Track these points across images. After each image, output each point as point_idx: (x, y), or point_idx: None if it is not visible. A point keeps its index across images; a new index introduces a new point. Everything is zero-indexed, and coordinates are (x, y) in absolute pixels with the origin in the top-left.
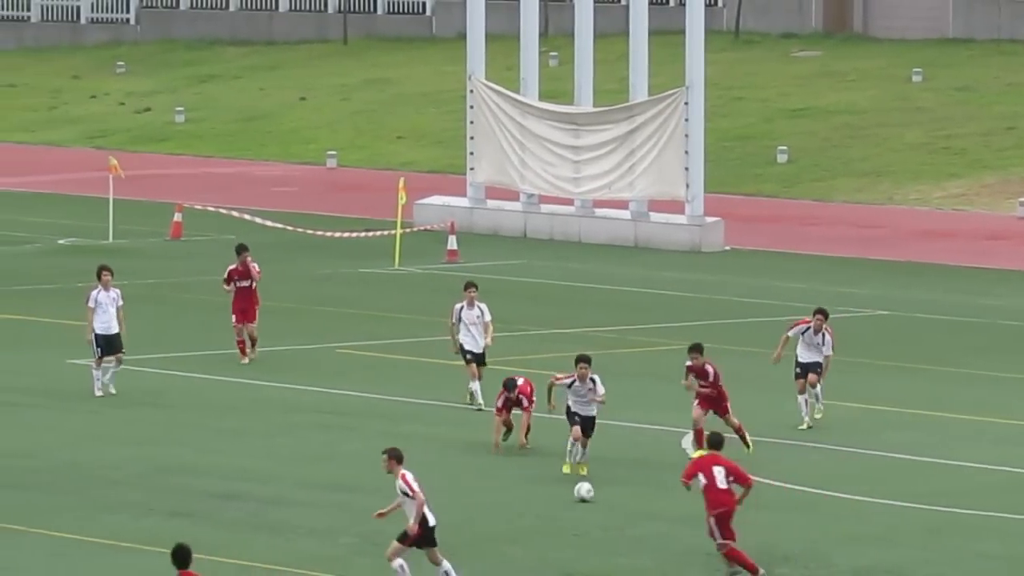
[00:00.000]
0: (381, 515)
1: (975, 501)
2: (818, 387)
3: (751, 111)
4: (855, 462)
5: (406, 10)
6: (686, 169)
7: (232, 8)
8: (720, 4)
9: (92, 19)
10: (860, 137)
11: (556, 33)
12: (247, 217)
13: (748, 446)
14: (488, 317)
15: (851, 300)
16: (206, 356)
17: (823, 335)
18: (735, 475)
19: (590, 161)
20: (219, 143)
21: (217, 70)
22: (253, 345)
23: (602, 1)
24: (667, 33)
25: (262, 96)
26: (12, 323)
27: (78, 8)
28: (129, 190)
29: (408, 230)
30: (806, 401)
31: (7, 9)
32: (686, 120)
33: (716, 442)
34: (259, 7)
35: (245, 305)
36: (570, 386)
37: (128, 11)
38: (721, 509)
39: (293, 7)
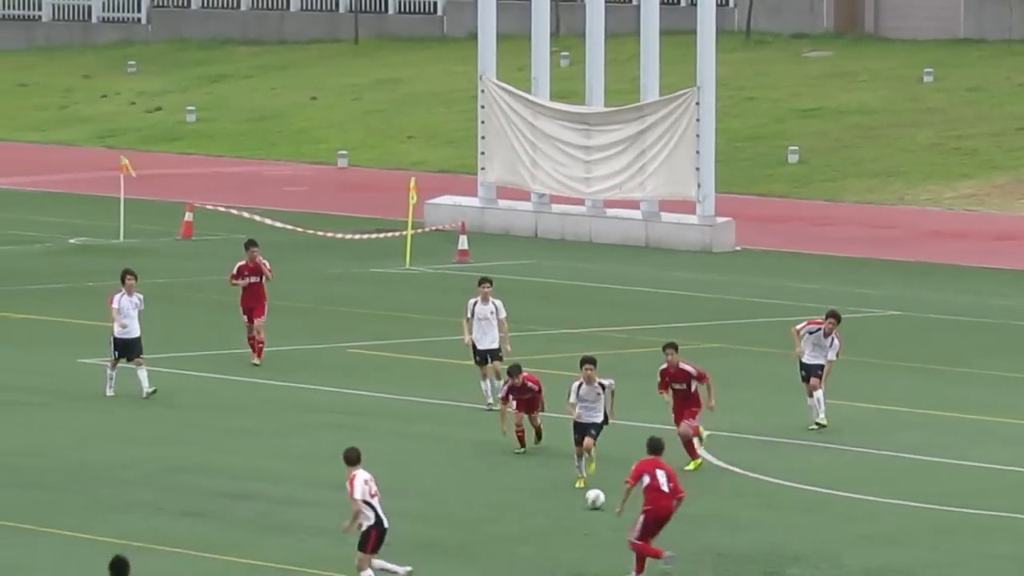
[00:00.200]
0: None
1: (986, 502)
2: (820, 392)
3: (762, 111)
4: (866, 462)
5: (417, 10)
6: (697, 169)
7: (243, 8)
8: (731, 4)
9: (103, 18)
10: (871, 137)
11: (567, 33)
12: (257, 218)
13: (693, 460)
14: (503, 314)
15: (862, 300)
16: (217, 356)
17: (832, 339)
18: (673, 483)
19: (601, 161)
20: (230, 143)
21: (228, 70)
22: (260, 346)
23: (613, 1)
24: (678, 33)
25: (273, 96)
26: (23, 322)
27: (89, 7)
28: (140, 189)
29: (419, 231)
30: (818, 401)
31: (18, 8)
32: (697, 120)
33: (656, 447)
34: (270, 7)
35: (253, 303)
36: (578, 392)
37: (139, 10)
38: (657, 511)
39: (304, 7)
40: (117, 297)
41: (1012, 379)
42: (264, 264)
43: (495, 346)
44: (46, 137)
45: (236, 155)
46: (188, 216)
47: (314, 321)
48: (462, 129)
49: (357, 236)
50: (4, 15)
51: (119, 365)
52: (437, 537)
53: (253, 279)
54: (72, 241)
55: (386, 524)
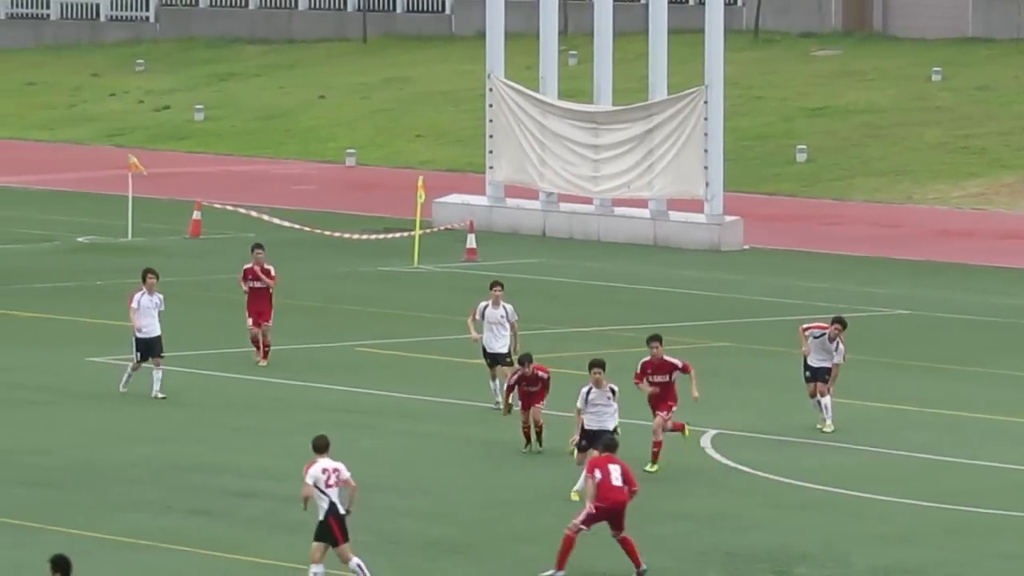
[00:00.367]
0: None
1: (995, 501)
2: (827, 397)
3: (770, 110)
4: (874, 461)
5: (425, 8)
6: (705, 168)
7: (252, 6)
8: (739, 3)
9: (112, 17)
10: (879, 136)
11: (575, 32)
12: (265, 217)
13: (652, 463)
14: (514, 318)
15: (870, 299)
16: (224, 354)
17: (837, 343)
18: (626, 476)
19: (609, 160)
20: (238, 141)
21: (236, 68)
22: (266, 350)
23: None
24: (686, 32)
25: (281, 94)
26: (31, 321)
27: (97, 6)
28: (148, 188)
29: (428, 230)
30: (819, 402)
31: (27, 7)
32: (705, 119)
33: (611, 445)
34: (279, 5)
35: (261, 308)
36: (587, 398)
37: (148, 9)
38: (608, 504)
39: (313, 5)
40: (137, 296)
41: (1021, 378)
42: (269, 270)
43: (505, 351)
44: (54, 135)
45: (244, 154)
46: (196, 215)
47: (322, 320)
48: (470, 128)
49: (365, 236)
50: (13, 14)
51: (140, 367)
52: (444, 536)
53: (257, 284)
54: (80, 240)
55: (341, 511)
